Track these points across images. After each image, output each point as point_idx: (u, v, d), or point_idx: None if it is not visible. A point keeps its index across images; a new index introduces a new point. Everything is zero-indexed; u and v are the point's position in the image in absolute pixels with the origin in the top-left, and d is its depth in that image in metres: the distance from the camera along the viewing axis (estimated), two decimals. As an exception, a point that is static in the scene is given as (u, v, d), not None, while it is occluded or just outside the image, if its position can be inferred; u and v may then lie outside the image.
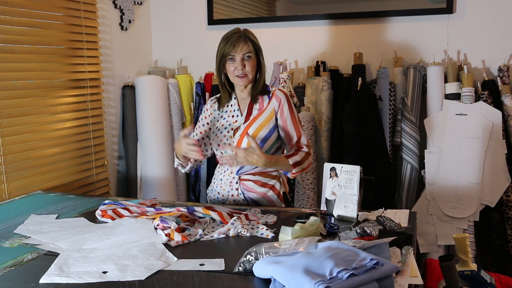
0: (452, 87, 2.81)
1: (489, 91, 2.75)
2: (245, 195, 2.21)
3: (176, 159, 2.26)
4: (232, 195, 2.22)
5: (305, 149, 2.17)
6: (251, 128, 2.17)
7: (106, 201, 2.10)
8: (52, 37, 2.66)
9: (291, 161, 2.11)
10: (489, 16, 2.83)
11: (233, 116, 2.23)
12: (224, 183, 2.24)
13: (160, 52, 3.53)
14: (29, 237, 1.77)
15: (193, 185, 3.32)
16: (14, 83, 2.46)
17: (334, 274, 1.20)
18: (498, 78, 2.76)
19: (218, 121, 2.26)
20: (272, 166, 2.11)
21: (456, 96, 2.80)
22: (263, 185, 2.20)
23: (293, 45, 3.21)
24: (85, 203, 2.23)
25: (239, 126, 2.20)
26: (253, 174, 2.20)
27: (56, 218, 1.99)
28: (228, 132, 2.21)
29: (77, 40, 2.81)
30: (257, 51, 2.18)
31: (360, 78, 2.88)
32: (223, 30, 3.33)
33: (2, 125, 2.36)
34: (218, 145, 2.22)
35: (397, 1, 3.02)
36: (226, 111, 2.26)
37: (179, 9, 3.45)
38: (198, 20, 3.40)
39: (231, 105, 2.26)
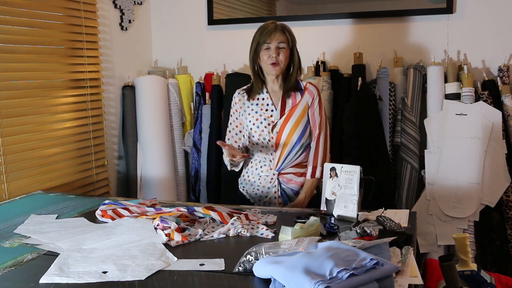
0: (452, 87, 2.81)
1: (489, 91, 2.74)
2: (283, 186, 2.29)
3: (227, 163, 2.33)
4: (275, 192, 2.29)
5: (320, 148, 2.28)
6: (288, 124, 2.24)
7: (106, 201, 2.10)
8: (52, 37, 2.66)
9: (317, 175, 2.26)
10: (489, 16, 2.82)
11: (267, 110, 2.28)
12: (264, 179, 2.30)
13: (160, 52, 3.53)
14: (29, 237, 1.77)
15: (193, 185, 3.32)
16: (14, 83, 2.46)
17: (334, 274, 1.20)
18: (498, 78, 2.76)
19: (249, 114, 2.30)
20: (312, 194, 2.29)
21: (456, 96, 2.80)
22: (301, 175, 2.31)
23: (293, 45, 3.20)
24: (85, 203, 2.23)
25: (276, 122, 2.25)
26: (291, 167, 2.30)
27: (56, 218, 1.99)
28: (265, 127, 2.26)
29: (77, 40, 2.80)
30: (292, 43, 2.24)
31: (360, 78, 2.88)
32: (223, 30, 3.37)
33: (2, 125, 2.36)
34: (258, 139, 2.27)
35: (397, 1, 3.02)
36: (257, 104, 2.30)
37: (179, 9, 3.45)
38: (198, 20, 3.40)
39: (263, 99, 2.30)
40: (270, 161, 2.29)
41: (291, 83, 2.27)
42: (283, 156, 2.26)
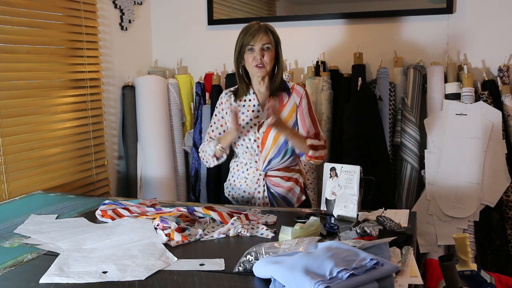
0: (452, 87, 2.81)
1: (489, 91, 2.75)
2: (271, 190, 2.24)
3: (212, 151, 2.21)
4: (259, 192, 2.24)
5: (322, 141, 2.23)
6: None
7: (106, 201, 2.10)
8: (52, 37, 2.66)
9: (309, 141, 2.16)
10: (489, 16, 2.83)
11: (253, 111, 2.24)
12: (250, 180, 2.26)
13: (160, 52, 3.53)
14: (29, 237, 1.77)
15: (193, 185, 3.32)
16: (14, 83, 2.46)
17: (334, 274, 1.20)
18: (498, 78, 2.76)
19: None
20: (291, 136, 2.14)
21: (456, 96, 2.80)
22: (289, 179, 2.26)
23: (293, 45, 3.21)
24: (85, 203, 2.23)
25: (263, 121, 2.21)
26: (278, 169, 2.25)
27: (56, 218, 1.99)
28: (251, 127, 2.21)
29: (77, 40, 2.81)
30: (276, 43, 2.21)
31: (360, 78, 2.88)
32: (223, 30, 3.37)
33: (2, 125, 2.36)
34: (243, 140, 2.23)
35: (397, 1, 3.02)
36: (244, 105, 2.27)
37: (179, 9, 3.45)
38: (198, 20, 3.40)
39: (250, 100, 2.26)
40: (256, 162, 2.24)
41: (277, 83, 2.23)
42: (269, 156, 2.21)
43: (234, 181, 2.32)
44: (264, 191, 2.24)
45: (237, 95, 2.28)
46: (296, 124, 2.24)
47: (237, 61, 2.23)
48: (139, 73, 3.35)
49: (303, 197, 2.32)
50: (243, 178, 2.28)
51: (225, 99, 2.32)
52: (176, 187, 3.31)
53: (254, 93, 2.26)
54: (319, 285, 1.16)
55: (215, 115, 2.34)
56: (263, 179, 2.24)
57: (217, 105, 2.35)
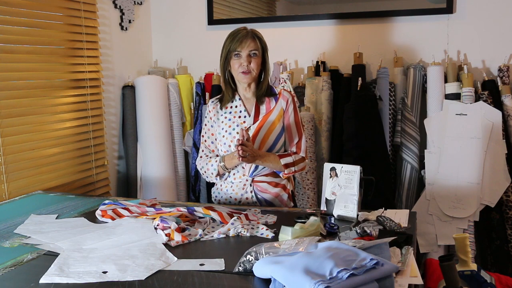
0: (452, 87, 2.81)
1: (489, 91, 2.75)
2: (259, 196, 2.22)
3: (215, 169, 2.21)
4: (247, 198, 2.22)
5: (302, 153, 2.23)
6: (262, 129, 2.18)
7: (106, 201, 2.10)
8: (52, 37, 2.66)
9: (283, 161, 2.15)
10: (489, 16, 2.83)
11: (240, 117, 2.23)
12: (237, 186, 2.23)
13: (160, 52, 3.53)
14: (29, 237, 1.77)
15: (193, 185, 3.32)
16: (14, 83, 2.46)
17: (334, 274, 1.20)
18: (498, 78, 2.76)
19: (222, 121, 2.25)
20: (261, 162, 2.13)
21: (456, 96, 2.80)
22: (276, 185, 2.23)
23: (293, 45, 3.21)
24: (85, 203, 2.23)
25: (249, 127, 2.19)
26: (266, 175, 2.22)
27: (56, 218, 1.99)
28: (237, 133, 2.18)
29: (77, 40, 2.81)
30: (263, 50, 2.20)
31: (360, 78, 2.88)
32: (223, 30, 3.35)
33: (2, 125, 2.36)
34: (229, 146, 2.21)
35: (397, 1, 3.02)
36: (230, 112, 2.25)
37: (179, 9, 3.45)
38: (198, 20, 3.40)
39: (236, 106, 2.25)
40: (243, 167, 2.21)
41: (263, 89, 2.22)
42: None
43: (221, 185, 2.29)
44: (252, 196, 2.22)
45: (223, 102, 2.27)
46: (283, 129, 2.22)
47: (223, 66, 2.21)
48: (139, 73, 3.36)
49: (291, 204, 2.29)
50: (229, 183, 2.25)
51: (212, 107, 2.30)
52: (176, 187, 3.31)
53: (240, 99, 2.25)
54: (319, 285, 1.16)
55: (205, 124, 2.32)
56: (250, 185, 2.22)
57: (205, 114, 2.33)
